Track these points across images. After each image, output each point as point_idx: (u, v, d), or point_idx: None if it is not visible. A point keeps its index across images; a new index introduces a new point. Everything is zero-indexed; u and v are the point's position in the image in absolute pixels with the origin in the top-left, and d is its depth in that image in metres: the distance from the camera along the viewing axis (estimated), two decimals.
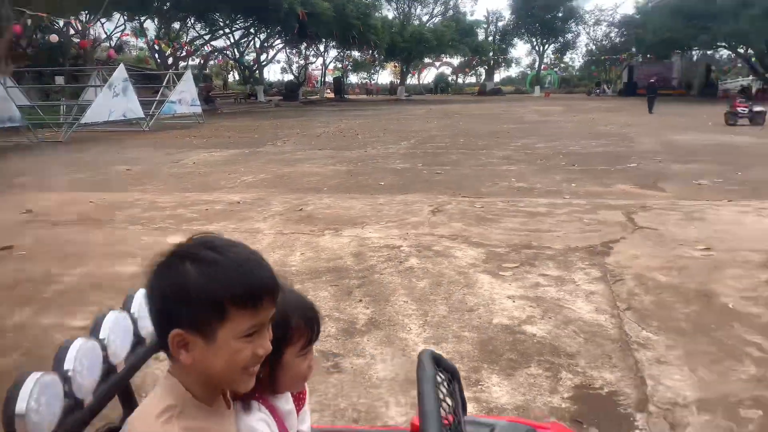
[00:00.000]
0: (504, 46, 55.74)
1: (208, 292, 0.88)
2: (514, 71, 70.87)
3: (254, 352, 0.94)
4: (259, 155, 11.99)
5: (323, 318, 1.10)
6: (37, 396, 0.86)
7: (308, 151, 12.57)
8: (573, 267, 4.47)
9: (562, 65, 62.24)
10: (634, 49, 45.17)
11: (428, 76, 68.59)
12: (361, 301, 3.81)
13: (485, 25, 54.73)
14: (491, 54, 52.76)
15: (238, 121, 23.16)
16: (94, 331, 1.08)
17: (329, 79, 55.08)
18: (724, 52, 49.58)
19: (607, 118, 21.49)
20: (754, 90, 42.63)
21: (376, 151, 12.29)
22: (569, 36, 54.34)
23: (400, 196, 7.39)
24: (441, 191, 7.70)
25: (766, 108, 18.27)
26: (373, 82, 65.50)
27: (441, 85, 62.73)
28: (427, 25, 48.64)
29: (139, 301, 1.18)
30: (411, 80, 63.64)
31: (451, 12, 51.75)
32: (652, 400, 2.60)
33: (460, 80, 68.20)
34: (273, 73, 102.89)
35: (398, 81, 54.80)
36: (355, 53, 50.08)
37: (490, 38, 55.09)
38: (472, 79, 67.97)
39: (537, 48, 54.13)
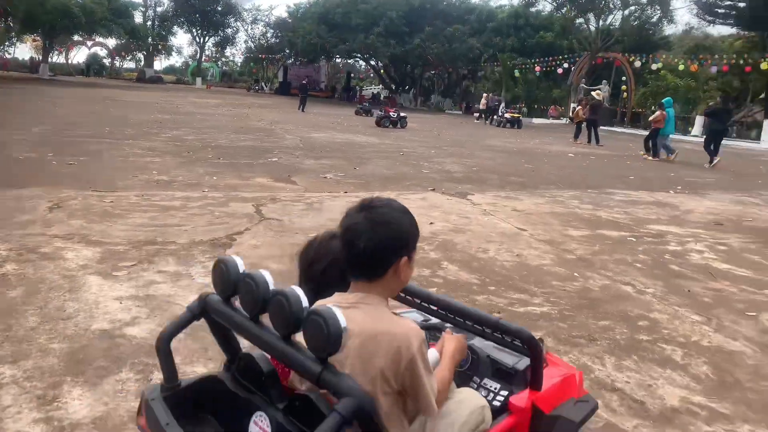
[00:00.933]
0: (164, 32, 53.01)
1: (415, 231, 1.43)
2: (177, 60, 68.17)
3: None
4: None
5: None
6: None
7: None
8: (193, 261, 4.41)
9: (224, 59, 62.27)
10: (287, 51, 47.73)
11: (79, 55, 61.18)
12: None
13: (143, 9, 51.18)
14: (150, 39, 49.60)
15: None
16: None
17: None
18: (363, 62, 56.13)
19: (261, 113, 22.25)
20: (382, 97, 49.31)
21: None
22: (229, 31, 54.62)
23: (13, 191, 6.32)
24: (69, 185, 6.84)
25: (407, 114, 21.96)
26: (8, 56, 55.27)
27: (95, 67, 56.59)
28: None
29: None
30: (58, 58, 55.87)
31: None
32: None
33: (117, 64, 62.53)
34: None
35: (40, 58, 47.40)
36: None
37: (149, 23, 51.75)
38: (132, 65, 63.10)
39: (198, 39, 52.99)
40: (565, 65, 35.68)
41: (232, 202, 6.60)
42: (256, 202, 6.69)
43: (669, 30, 42.49)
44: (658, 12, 33.68)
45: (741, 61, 28.98)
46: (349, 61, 57.13)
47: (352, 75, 57.82)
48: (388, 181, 8.86)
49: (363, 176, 9.22)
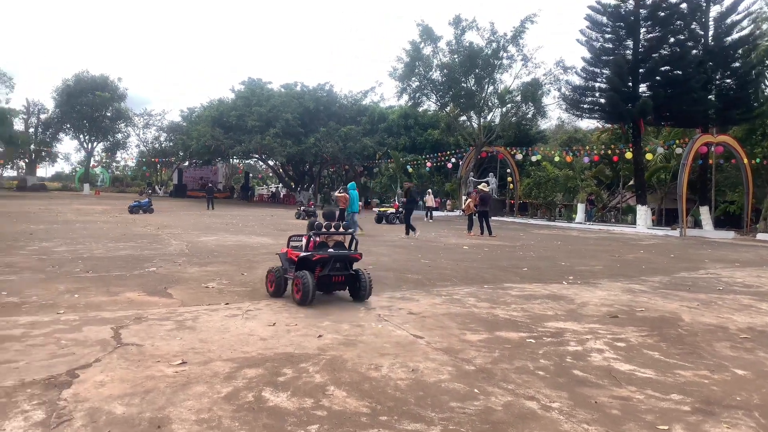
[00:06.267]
0: (48, 139, 50.35)
1: None
2: (65, 166, 64.85)
3: None
4: None
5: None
6: None
7: None
8: (14, 410, 3.46)
9: (115, 164, 59.97)
10: (181, 153, 46.74)
11: None
12: None
13: (24, 116, 48.63)
14: (32, 146, 46.84)
15: None
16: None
17: None
18: (262, 162, 55.95)
19: (149, 218, 21.00)
20: (282, 195, 48.97)
21: None
22: (119, 136, 52.88)
23: None
24: None
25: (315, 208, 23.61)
26: None
27: None
28: None
29: None
30: None
31: None
32: None
33: None
34: None
35: None
36: None
37: (31, 129, 49.09)
38: (14, 173, 59.08)
39: (85, 145, 50.71)
40: (453, 160, 37.36)
41: (87, 325, 5.62)
42: (118, 323, 5.76)
43: (544, 125, 46.19)
44: (533, 108, 36.41)
45: (609, 152, 31.63)
46: (247, 161, 56.79)
47: (251, 174, 57.33)
48: None
49: (250, 283, 8.45)
